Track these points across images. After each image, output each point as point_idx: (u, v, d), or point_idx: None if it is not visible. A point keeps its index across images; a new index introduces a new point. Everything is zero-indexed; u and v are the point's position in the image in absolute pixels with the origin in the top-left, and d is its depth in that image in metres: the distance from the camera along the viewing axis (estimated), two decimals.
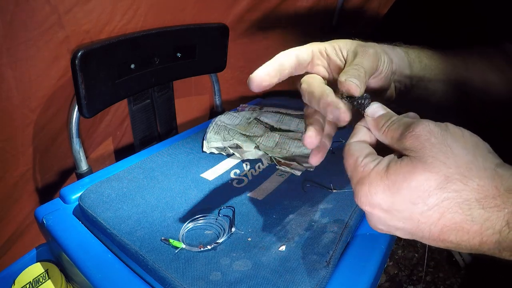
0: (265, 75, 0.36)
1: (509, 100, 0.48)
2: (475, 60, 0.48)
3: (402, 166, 0.25)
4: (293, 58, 0.36)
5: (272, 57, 0.41)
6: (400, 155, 0.27)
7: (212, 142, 0.61)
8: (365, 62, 0.34)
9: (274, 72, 0.37)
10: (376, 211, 0.27)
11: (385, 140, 0.29)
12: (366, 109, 0.31)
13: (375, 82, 0.37)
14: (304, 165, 0.55)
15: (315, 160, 0.37)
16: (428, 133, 0.25)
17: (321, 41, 0.39)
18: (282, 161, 0.56)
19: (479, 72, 0.48)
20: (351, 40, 0.39)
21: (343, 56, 0.37)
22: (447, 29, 0.59)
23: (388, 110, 0.30)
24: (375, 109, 0.31)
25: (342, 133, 0.66)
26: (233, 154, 0.59)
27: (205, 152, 0.60)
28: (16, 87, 0.58)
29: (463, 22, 0.57)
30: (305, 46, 0.37)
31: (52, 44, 0.59)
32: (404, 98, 0.43)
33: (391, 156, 0.28)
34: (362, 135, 0.32)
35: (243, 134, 0.64)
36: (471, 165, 0.24)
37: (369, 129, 0.31)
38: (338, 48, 0.38)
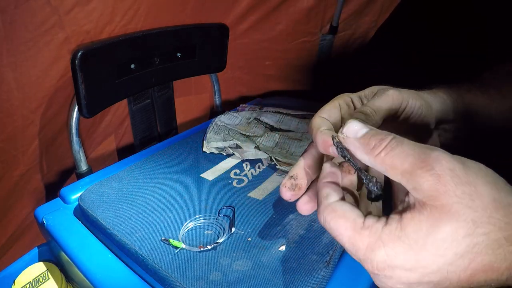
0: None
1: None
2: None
3: (422, 220, 0.22)
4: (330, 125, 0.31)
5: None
6: (405, 195, 0.23)
7: (212, 142, 0.61)
8: (377, 102, 0.30)
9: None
10: (397, 272, 0.23)
11: (380, 167, 0.24)
12: (344, 129, 0.25)
13: (405, 129, 0.33)
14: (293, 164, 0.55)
15: (305, 209, 0.32)
16: (450, 171, 0.22)
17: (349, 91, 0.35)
18: (282, 161, 0.56)
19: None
20: (383, 86, 0.34)
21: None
22: (447, 29, 0.59)
23: (372, 127, 0.25)
24: (355, 127, 0.25)
25: None
26: (233, 154, 0.59)
27: (205, 152, 0.60)
28: (16, 88, 0.58)
29: (463, 22, 0.57)
30: (332, 104, 0.33)
31: (53, 44, 0.59)
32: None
33: (399, 209, 0.24)
34: (332, 177, 0.27)
35: (243, 134, 0.64)
36: (496, 203, 0.22)
37: (334, 167, 0.27)
38: (363, 96, 0.34)
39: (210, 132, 0.65)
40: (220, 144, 0.60)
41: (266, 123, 0.69)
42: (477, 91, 0.40)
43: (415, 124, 0.33)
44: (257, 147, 0.59)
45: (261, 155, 0.57)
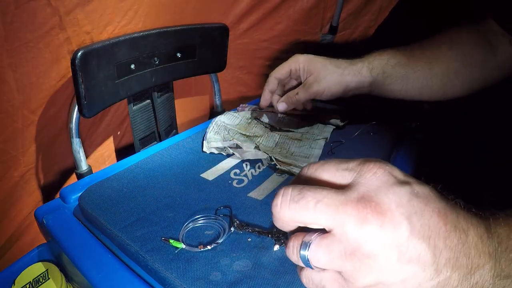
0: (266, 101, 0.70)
1: (471, 83, 0.58)
2: (440, 54, 0.58)
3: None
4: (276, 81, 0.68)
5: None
6: None
7: (212, 142, 0.61)
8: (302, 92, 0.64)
9: (269, 96, 0.69)
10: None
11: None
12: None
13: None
14: (302, 165, 0.55)
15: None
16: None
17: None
18: (282, 160, 0.56)
19: (443, 64, 0.58)
20: (308, 61, 0.63)
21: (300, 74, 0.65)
22: (446, 28, 0.61)
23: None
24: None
25: (342, 133, 0.66)
26: (233, 154, 0.59)
27: (205, 152, 0.60)
28: (16, 89, 0.58)
29: (462, 21, 0.59)
30: (283, 69, 0.66)
31: (53, 45, 0.59)
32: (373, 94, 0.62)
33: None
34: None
35: (243, 134, 0.64)
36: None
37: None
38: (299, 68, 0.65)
39: (210, 132, 0.65)
40: (220, 144, 0.60)
41: (266, 123, 0.69)
42: (400, 68, 0.59)
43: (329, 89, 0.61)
44: (257, 147, 0.59)
45: (261, 155, 0.57)
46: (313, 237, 0.25)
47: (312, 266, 0.25)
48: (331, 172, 0.26)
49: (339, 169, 0.26)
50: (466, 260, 0.22)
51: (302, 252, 0.25)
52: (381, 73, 0.60)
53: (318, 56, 0.64)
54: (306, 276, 0.26)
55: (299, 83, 0.66)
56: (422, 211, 0.22)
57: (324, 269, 0.25)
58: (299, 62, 0.63)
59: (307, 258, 0.25)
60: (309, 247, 0.24)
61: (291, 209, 0.24)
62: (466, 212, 0.24)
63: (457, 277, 0.22)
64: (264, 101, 0.70)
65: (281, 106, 0.66)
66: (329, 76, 0.61)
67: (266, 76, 0.66)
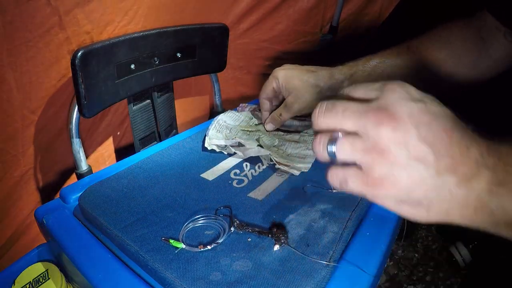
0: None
1: (456, 73, 0.57)
2: (430, 57, 0.57)
3: None
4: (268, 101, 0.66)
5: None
6: None
7: (214, 139, 0.61)
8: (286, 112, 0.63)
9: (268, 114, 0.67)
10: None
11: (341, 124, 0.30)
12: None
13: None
14: (299, 165, 0.55)
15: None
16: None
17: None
18: (280, 161, 0.56)
19: (433, 67, 0.57)
20: (286, 79, 0.62)
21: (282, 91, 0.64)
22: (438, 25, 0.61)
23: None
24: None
25: None
26: (234, 153, 0.59)
27: (206, 149, 0.60)
28: (16, 88, 0.58)
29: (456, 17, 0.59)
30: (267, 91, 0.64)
31: (53, 45, 0.59)
32: None
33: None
34: None
35: (245, 131, 0.64)
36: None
37: None
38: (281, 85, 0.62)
39: (212, 129, 0.64)
40: (222, 142, 0.60)
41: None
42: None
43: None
44: (259, 145, 0.59)
45: (264, 152, 0.57)
46: (340, 134, 0.30)
47: (338, 159, 0.30)
48: (361, 91, 0.31)
49: (367, 88, 0.30)
50: (464, 169, 0.26)
51: (329, 146, 0.30)
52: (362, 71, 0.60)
53: (296, 68, 0.63)
54: (332, 173, 0.31)
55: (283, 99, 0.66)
56: (430, 123, 0.27)
57: (346, 166, 0.30)
58: (279, 80, 0.62)
59: (334, 151, 0.30)
60: (336, 142, 0.30)
61: (325, 116, 0.30)
62: (473, 133, 0.28)
63: (455, 181, 0.27)
64: (265, 120, 0.68)
65: (269, 127, 0.65)
66: (308, 94, 0.60)
67: (266, 76, 0.66)
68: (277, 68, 0.63)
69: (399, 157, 0.27)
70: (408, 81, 0.32)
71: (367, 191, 0.30)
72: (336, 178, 0.31)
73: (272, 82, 0.63)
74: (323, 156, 0.31)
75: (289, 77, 0.61)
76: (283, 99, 0.64)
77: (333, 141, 0.30)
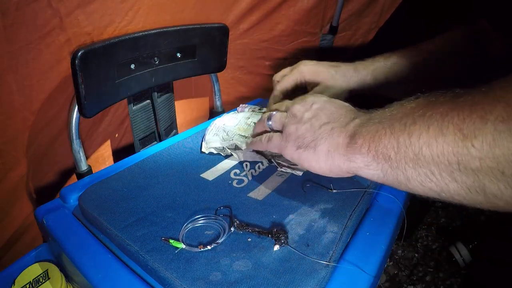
0: None
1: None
2: (434, 48, 0.62)
3: None
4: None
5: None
6: None
7: (211, 143, 0.61)
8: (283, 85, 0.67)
9: None
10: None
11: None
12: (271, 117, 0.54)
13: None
14: (298, 165, 0.55)
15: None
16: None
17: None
18: (281, 162, 0.56)
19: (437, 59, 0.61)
20: (313, 72, 0.65)
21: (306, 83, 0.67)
22: (445, 28, 0.62)
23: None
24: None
25: None
26: (232, 155, 0.59)
27: (204, 152, 0.60)
28: (17, 90, 0.58)
29: (461, 20, 0.60)
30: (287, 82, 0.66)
31: (54, 47, 0.59)
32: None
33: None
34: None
35: (242, 136, 0.64)
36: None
37: None
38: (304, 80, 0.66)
39: (209, 133, 0.64)
40: (219, 144, 0.60)
41: None
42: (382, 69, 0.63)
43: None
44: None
45: (259, 159, 0.57)
46: (274, 112, 0.49)
47: (271, 126, 0.49)
48: (298, 102, 0.48)
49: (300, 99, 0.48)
50: (342, 120, 0.42)
51: (267, 121, 0.49)
52: (383, 74, 0.63)
53: (320, 63, 0.65)
54: (266, 137, 0.48)
55: (302, 92, 0.67)
56: (324, 102, 0.45)
57: (273, 130, 0.49)
58: (304, 74, 0.64)
59: (270, 122, 0.48)
60: (273, 115, 0.49)
61: (272, 106, 0.55)
62: (356, 109, 0.44)
63: (334, 126, 0.41)
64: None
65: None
66: (337, 86, 0.64)
67: (266, 76, 0.66)
68: (299, 64, 0.66)
69: (302, 117, 0.44)
70: (421, 76, 0.54)
71: (280, 145, 0.45)
72: (265, 138, 0.48)
73: (296, 76, 0.65)
74: (264, 126, 0.50)
75: (316, 70, 0.64)
76: (299, 93, 0.67)
77: (270, 117, 0.49)
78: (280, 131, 0.47)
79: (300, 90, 0.68)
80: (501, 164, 0.26)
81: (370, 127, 0.37)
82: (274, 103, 0.67)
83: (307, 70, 0.64)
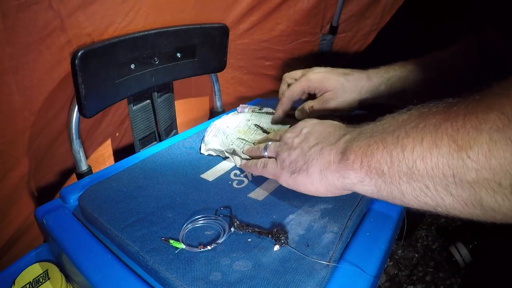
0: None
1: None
2: (448, 56, 0.62)
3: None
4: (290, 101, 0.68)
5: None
6: None
7: (210, 144, 0.61)
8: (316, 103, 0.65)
9: (283, 116, 0.70)
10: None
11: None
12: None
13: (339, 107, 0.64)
14: None
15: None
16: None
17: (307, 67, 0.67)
18: None
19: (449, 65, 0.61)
20: (322, 80, 0.63)
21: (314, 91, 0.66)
22: (445, 28, 0.62)
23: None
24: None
25: None
26: (228, 157, 0.58)
27: (203, 154, 0.60)
28: (17, 91, 0.58)
29: (462, 20, 0.60)
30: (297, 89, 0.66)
31: (54, 48, 0.59)
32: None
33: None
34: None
35: (241, 139, 0.63)
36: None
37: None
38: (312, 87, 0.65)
39: (209, 135, 0.64)
40: (218, 146, 0.60)
41: (266, 130, 0.68)
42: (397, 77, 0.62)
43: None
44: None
45: None
46: (269, 143, 0.51)
47: (267, 155, 0.51)
48: (290, 130, 0.50)
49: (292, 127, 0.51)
50: (331, 139, 0.42)
51: (263, 150, 0.51)
52: (397, 83, 0.62)
53: (332, 70, 0.64)
54: (261, 162, 0.50)
55: (307, 98, 0.67)
56: (313, 125, 0.47)
57: (270, 158, 0.50)
58: (311, 82, 0.63)
59: (266, 152, 0.51)
60: (268, 146, 0.51)
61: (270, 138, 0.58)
62: (346, 126, 0.45)
63: (323, 146, 0.42)
64: (279, 119, 0.70)
65: (296, 114, 0.69)
66: (347, 95, 0.62)
67: (266, 76, 0.66)
68: (310, 71, 0.65)
69: (292, 143, 0.46)
70: (436, 85, 0.53)
71: (275, 171, 0.46)
72: (260, 163, 0.49)
73: (304, 84, 0.64)
74: (260, 154, 0.52)
75: (325, 78, 0.63)
76: (305, 100, 0.67)
77: (266, 147, 0.51)
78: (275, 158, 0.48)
79: (310, 96, 0.68)
80: (497, 175, 0.26)
81: (362, 141, 0.37)
82: (282, 111, 0.67)
83: (315, 78, 0.63)
